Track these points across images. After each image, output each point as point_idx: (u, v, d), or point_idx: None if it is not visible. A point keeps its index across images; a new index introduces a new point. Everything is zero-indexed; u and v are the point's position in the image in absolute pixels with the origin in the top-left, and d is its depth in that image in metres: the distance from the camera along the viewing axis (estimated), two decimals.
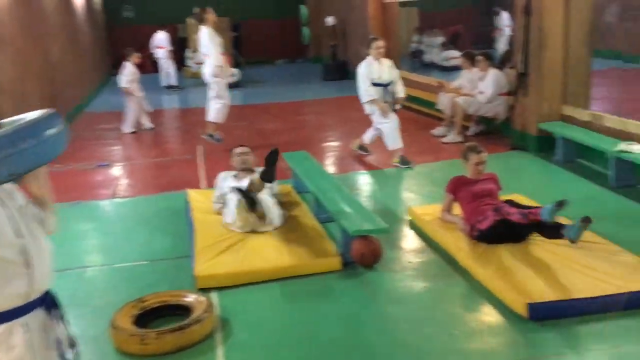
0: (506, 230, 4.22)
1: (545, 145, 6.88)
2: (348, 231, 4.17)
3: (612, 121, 6.05)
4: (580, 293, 3.45)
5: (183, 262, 4.43)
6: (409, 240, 4.80)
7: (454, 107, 7.98)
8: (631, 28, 9.35)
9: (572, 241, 3.84)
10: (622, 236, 4.37)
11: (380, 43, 6.84)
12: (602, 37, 8.71)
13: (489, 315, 3.58)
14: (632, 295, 3.41)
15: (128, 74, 9.60)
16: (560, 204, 3.80)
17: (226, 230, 4.79)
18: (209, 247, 4.44)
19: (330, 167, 7.12)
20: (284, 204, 5.24)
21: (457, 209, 4.77)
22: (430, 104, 9.48)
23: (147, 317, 3.58)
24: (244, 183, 5.03)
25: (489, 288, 3.76)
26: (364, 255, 4.22)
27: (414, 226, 5.03)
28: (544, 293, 3.46)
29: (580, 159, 6.53)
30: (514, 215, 4.03)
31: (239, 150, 5.45)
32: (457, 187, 4.74)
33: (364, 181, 6.65)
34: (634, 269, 3.70)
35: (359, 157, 7.45)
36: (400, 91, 6.99)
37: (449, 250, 4.38)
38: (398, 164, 6.84)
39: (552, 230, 4.00)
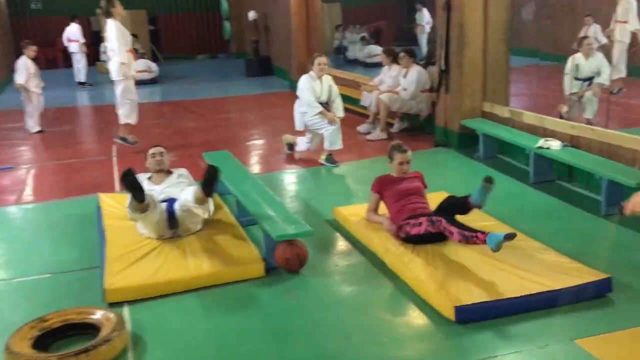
0: (435, 236, 4.16)
1: (467, 141, 6.94)
2: (272, 236, 3.97)
3: (530, 117, 6.16)
4: (506, 293, 3.41)
5: (92, 275, 4.07)
6: (335, 242, 4.65)
7: (377, 104, 7.93)
8: (546, 26, 9.64)
9: (494, 250, 3.74)
10: (542, 232, 4.42)
11: (323, 60, 6.67)
12: (519, 35, 8.91)
13: (418, 319, 3.47)
14: (557, 292, 3.41)
15: (23, 68, 8.84)
16: (509, 237, 3.67)
17: (141, 237, 4.46)
18: (121, 257, 4.11)
19: (253, 167, 6.88)
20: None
21: (383, 209, 4.68)
22: (355, 101, 9.42)
23: (49, 339, 3.24)
24: (160, 188, 4.73)
25: (416, 291, 3.66)
26: (288, 261, 4.03)
27: (339, 227, 4.89)
28: (471, 295, 3.40)
29: (501, 155, 6.63)
30: (455, 236, 3.92)
31: (153, 150, 5.12)
32: (383, 187, 4.64)
33: (289, 181, 6.47)
34: (556, 266, 3.71)
35: (284, 155, 7.26)
36: (340, 110, 6.88)
37: (376, 251, 4.27)
38: (324, 162, 6.71)
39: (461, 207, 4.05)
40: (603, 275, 3.52)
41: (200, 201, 4.31)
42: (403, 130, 8.19)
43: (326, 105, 6.80)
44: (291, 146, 7.24)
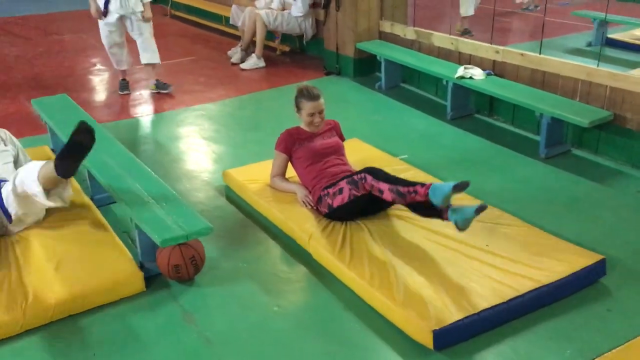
0: (366, 205, 3.17)
1: (364, 68, 5.94)
2: (154, 240, 2.72)
3: (443, 40, 5.25)
4: (486, 299, 2.54)
5: None
6: (234, 223, 3.49)
7: (253, 22, 6.56)
8: None
9: (461, 229, 2.87)
10: (485, 189, 3.60)
11: None
12: None
13: (380, 351, 2.51)
14: (549, 287, 2.61)
15: None
16: (460, 187, 2.77)
17: None
18: None
19: (98, 113, 5.29)
20: None
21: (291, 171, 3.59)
22: (219, 19, 7.96)
23: None
24: None
25: (368, 302, 2.68)
26: (179, 269, 2.84)
27: (234, 198, 3.73)
28: (446, 309, 2.47)
29: (405, 84, 5.72)
30: (386, 194, 2.95)
31: None
32: (292, 145, 3.52)
33: (144, 131, 5.03)
34: (536, 247, 2.88)
35: (137, 94, 5.78)
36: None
37: (294, 237, 3.20)
38: (155, 89, 5.72)
39: (432, 212, 3.00)
40: (596, 257, 2.78)
41: (52, 183, 2.89)
42: (285, 54, 6.97)
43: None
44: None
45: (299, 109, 3.52)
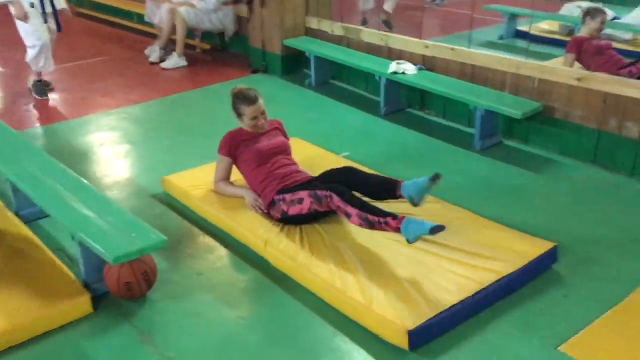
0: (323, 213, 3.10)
1: (292, 66, 5.86)
2: (105, 258, 2.51)
3: (372, 36, 5.26)
4: (454, 294, 2.55)
5: None
6: (181, 232, 3.30)
7: (172, 19, 6.29)
8: None
9: (416, 204, 2.89)
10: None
11: None
12: None
13: (355, 355, 2.46)
14: (509, 277, 2.67)
15: None
16: (434, 179, 2.75)
17: None
18: None
19: (7, 120, 4.87)
20: None
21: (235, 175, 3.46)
22: (131, 16, 7.59)
23: None
24: None
25: (336, 307, 2.62)
26: (130, 286, 2.64)
27: (177, 206, 3.55)
28: (418, 307, 2.46)
29: (335, 80, 5.69)
30: (353, 219, 2.82)
31: None
32: (236, 147, 3.38)
33: (64, 138, 4.67)
34: (489, 238, 2.94)
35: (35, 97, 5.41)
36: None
37: (248, 244, 3.08)
38: (31, 88, 5.36)
39: (385, 193, 3.01)
40: (549, 245, 2.87)
41: None
42: (206, 53, 6.75)
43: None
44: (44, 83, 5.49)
45: (239, 115, 3.39)
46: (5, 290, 2.58)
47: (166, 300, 2.74)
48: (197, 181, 3.58)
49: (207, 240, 3.22)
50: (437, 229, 2.63)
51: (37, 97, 5.31)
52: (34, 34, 5.04)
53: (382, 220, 2.78)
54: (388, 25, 6.65)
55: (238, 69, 6.15)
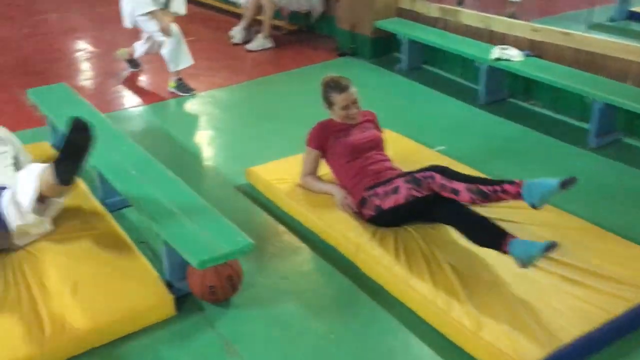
0: (421, 211, 2.81)
1: (382, 49, 5.54)
2: (190, 261, 2.34)
3: (472, 18, 4.85)
4: (570, 328, 2.21)
5: None
6: (265, 231, 3.11)
7: (257, 0, 6.10)
8: None
9: (523, 266, 2.48)
10: (526, 178, 3.26)
11: None
12: None
13: None
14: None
15: None
16: (565, 184, 2.41)
17: None
18: None
19: (96, 102, 4.83)
20: None
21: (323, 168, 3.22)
22: None
23: None
24: None
25: (432, 323, 2.35)
26: (214, 290, 2.47)
27: (260, 199, 3.36)
28: (534, 340, 2.13)
29: (427, 65, 5.33)
30: (463, 194, 2.57)
31: None
32: (325, 139, 3.14)
33: (150, 122, 4.58)
34: (622, 259, 2.56)
35: (129, 78, 5.33)
36: (179, 4, 4.92)
37: (337, 246, 2.85)
38: (175, 90, 4.93)
39: (491, 240, 2.50)
40: None
41: (52, 192, 2.50)
42: (291, 33, 6.53)
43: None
44: (133, 62, 5.36)
45: (330, 104, 3.14)
46: (89, 288, 2.46)
47: (251, 306, 2.55)
48: (283, 174, 3.37)
49: (293, 239, 3.02)
50: (567, 182, 2.35)
51: (181, 94, 5.01)
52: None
53: (497, 188, 2.49)
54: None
55: (325, 52, 5.89)
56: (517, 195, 2.43)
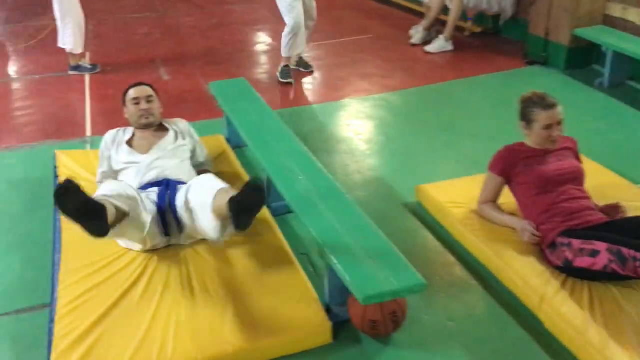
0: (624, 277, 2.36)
1: (580, 60, 4.95)
2: (354, 294, 2.15)
3: None
4: None
5: (34, 322, 2.33)
6: (433, 261, 2.83)
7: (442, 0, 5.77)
8: None
9: None
10: None
11: None
12: None
13: None
14: None
15: None
16: None
17: (117, 247, 2.69)
18: (78, 304, 2.36)
19: (269, 97, 4.83)
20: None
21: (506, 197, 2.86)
22: None
23: None
24: (148, 160, 2.91)
25: None
26: (376, 325, 2.26)
27: (430, 224, 3.07)
28: None
29: (634, 81, 4.64)
30: None
31: (135, 92, 3.18)
32: (512, 166, 2.78)
33: (318, 122, 4.44)
34: None
35: (302, 75, 5.30)
36: None
37: (516, 292, 2.49)
38: (298, 68, 5.18)
39: None
40: None
41: (223, 219, 2.42)
42: (475, 35, 6.10)
43: None
44: (304, 64, 5.33)
45: (529, 121, 2.76)
46: (250, 302, 2.38)
47: (412, 347, 2.31)
48: (458, 196, 3.06)
49: (464, 274, 2.71)
50: None
51: (281, 80, 5.09)
52: (292, 10, 4.87)
53: None
54: None
55: (510, 59, 5.40)
56: None
